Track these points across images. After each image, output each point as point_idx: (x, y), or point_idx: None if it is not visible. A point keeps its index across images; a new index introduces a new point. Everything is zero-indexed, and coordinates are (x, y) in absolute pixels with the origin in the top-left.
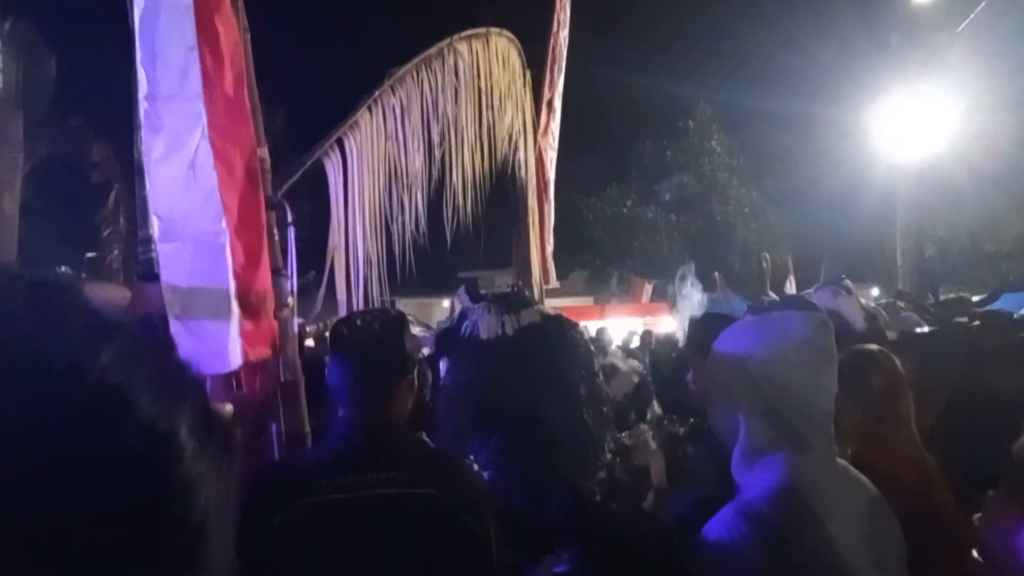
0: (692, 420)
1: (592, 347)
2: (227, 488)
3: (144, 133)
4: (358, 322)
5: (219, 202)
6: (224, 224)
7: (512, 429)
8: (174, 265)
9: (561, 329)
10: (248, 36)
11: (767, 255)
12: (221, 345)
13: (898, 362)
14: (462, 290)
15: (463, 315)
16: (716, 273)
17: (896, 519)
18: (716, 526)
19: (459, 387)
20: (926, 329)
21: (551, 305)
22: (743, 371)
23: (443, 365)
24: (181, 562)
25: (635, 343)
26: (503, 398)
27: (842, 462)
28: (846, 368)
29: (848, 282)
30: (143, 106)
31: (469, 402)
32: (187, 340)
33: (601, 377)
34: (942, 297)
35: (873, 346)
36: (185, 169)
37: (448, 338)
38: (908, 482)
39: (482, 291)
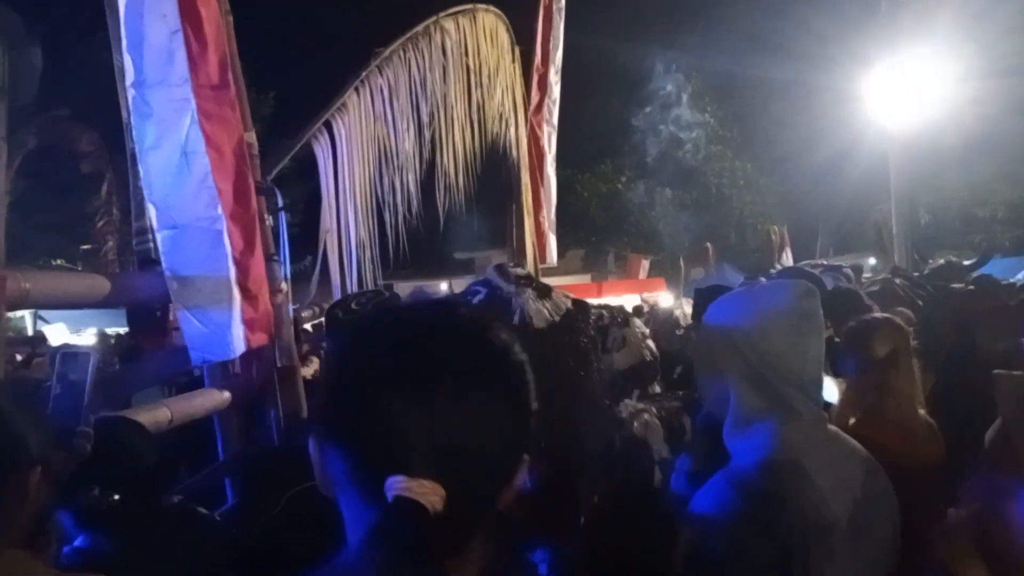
0: (681, 392)
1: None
2: None
3: (134, 121)
4: (352, 305)
5: (213, 188)
6: (220, 210)
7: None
8: (174, 252)
9: (586, 314)
10: (231, 19)
11: (775, 228)
12: (224, 331)
13: (906, 331)
14: (492, 269)
15: (498, 298)
16: (708, 244)
17: (890, 484)
18: (706, 494)
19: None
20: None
21: (549, 284)
22: (730, 341)
23: None
24: None
25: None
26: (559, 387)
27: (833, 428)
28: (852, 335)
29: (848, 270)
30: (130, 94)
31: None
32: (192, 328)
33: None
34: (932, 263)
35: (882, 315)
36: (178, 156)
37: None
38: (902, 450)
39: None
